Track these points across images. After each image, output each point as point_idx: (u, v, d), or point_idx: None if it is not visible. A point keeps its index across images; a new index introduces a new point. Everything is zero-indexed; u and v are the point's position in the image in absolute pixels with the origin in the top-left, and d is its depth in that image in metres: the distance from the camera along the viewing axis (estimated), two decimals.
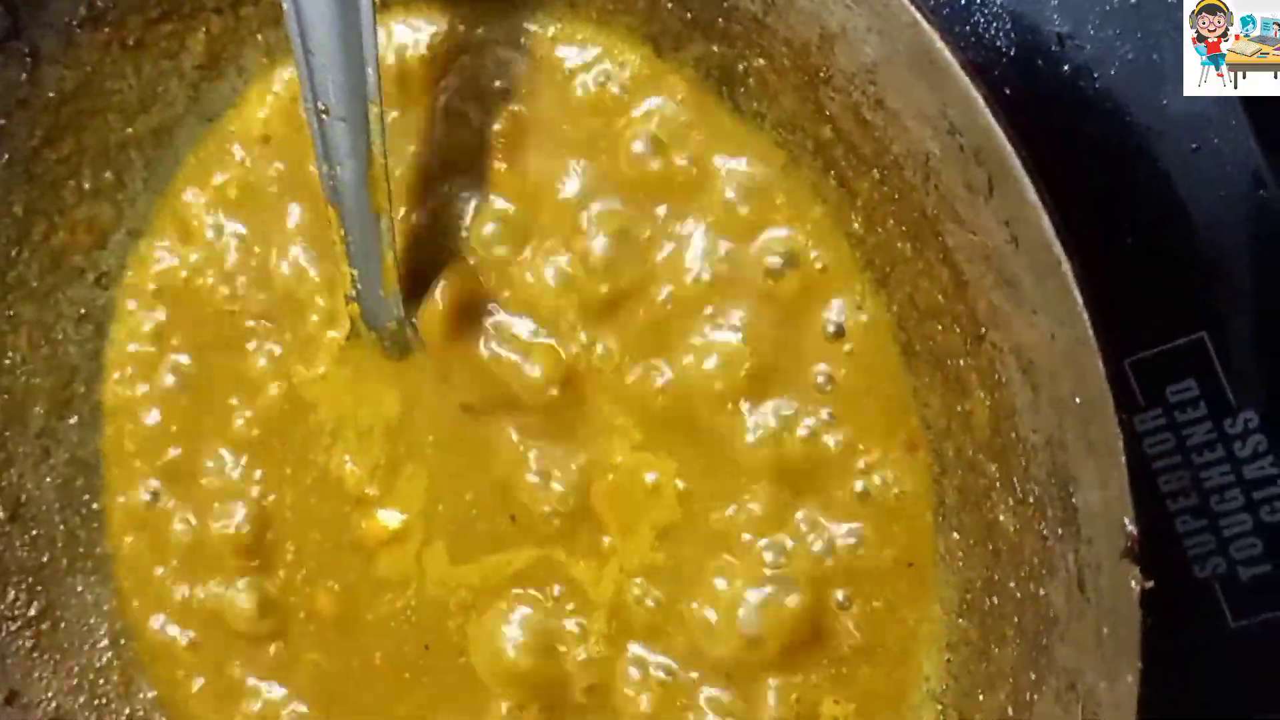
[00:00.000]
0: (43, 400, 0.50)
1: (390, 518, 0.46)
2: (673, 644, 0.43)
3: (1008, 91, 0.44)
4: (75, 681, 0.51)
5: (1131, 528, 0.30)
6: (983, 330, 0.35)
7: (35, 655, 0.51)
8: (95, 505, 0.52)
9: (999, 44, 0.44)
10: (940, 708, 0.40)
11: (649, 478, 0.42)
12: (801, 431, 0.40)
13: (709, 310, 0.41)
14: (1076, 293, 0.30)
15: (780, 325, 0.40)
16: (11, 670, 0.50)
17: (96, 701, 0.51)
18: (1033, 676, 0.35)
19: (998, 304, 0.34)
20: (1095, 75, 0.43)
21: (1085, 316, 0.30)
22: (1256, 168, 0.42)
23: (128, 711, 0.51)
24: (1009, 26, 0.44)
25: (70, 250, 0.49)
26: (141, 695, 0.52)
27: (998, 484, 0.36)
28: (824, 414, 0.40)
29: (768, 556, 0.41)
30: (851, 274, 0.39)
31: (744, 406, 0.41)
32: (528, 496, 0.43)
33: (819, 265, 0.40)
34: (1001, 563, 0.37)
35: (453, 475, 0.44)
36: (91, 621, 0.52)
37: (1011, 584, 0.36)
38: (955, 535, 0.39)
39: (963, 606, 0.39)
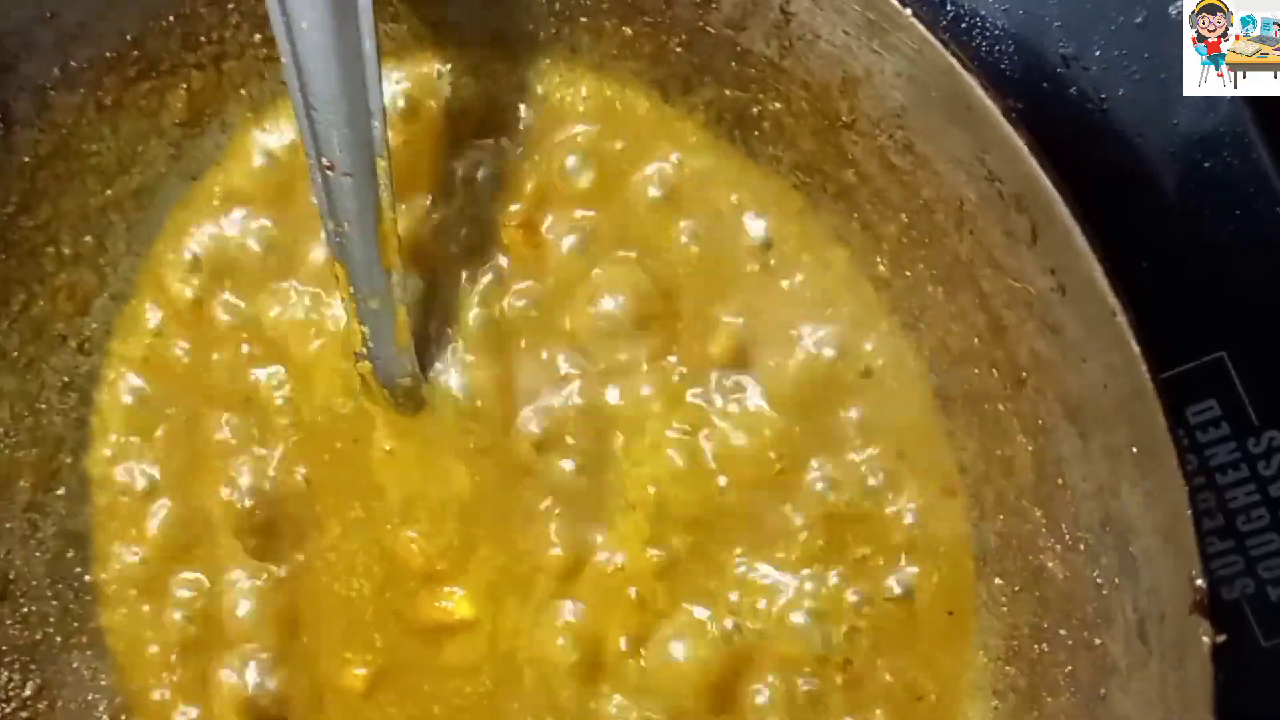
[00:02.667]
0: (28, 473, 0.48)
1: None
2: None
3: (1013, 116, 0.43)
4: None
5: (1200, 581, 0.29)
6: (1024, 375, 0.34)
7: None
8: (87, 578, 0.50)
9: (1003, 67, 0.43)
10: None
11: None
12: (832, 476, 0.39)
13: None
14: (1134, 343, 0.29)
15: (804, 371, 0.39)
16: None
17: None
18: None
19: (1040, 351, 0.33)
20: (1103, 96, 0.43)
21: (1144, 367, 0.29)
22: (1271, 184, 0.41)
23: None
24: (1012, 49, 0.43)
25: (51, 318, 0.47)
26: None
27: (1044, 529, 0.35)
28: (854, 459, 0.39)
29: (805, 604, 0.40)
30: (877, 317, 0.38)
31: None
32: None
33: (843, 309, 0.39)
34: (1051, 610, 0.36)
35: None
36: (89, 698, 0.50)
37: (1062, 631, 0.35)
38: (998, 581, 0.38)
39: (1009, 653, 0.38)
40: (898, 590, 0.39)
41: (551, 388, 0.42)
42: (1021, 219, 0.31)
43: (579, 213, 0.41)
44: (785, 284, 0.39)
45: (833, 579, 0.40)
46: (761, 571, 0.40)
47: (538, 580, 0.43)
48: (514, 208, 0.41)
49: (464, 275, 0.42)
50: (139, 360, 0.48)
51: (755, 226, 0.39)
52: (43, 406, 0.48)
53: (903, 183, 0.35)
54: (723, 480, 0.40)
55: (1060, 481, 0.34)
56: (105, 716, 0.50)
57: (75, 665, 0.50)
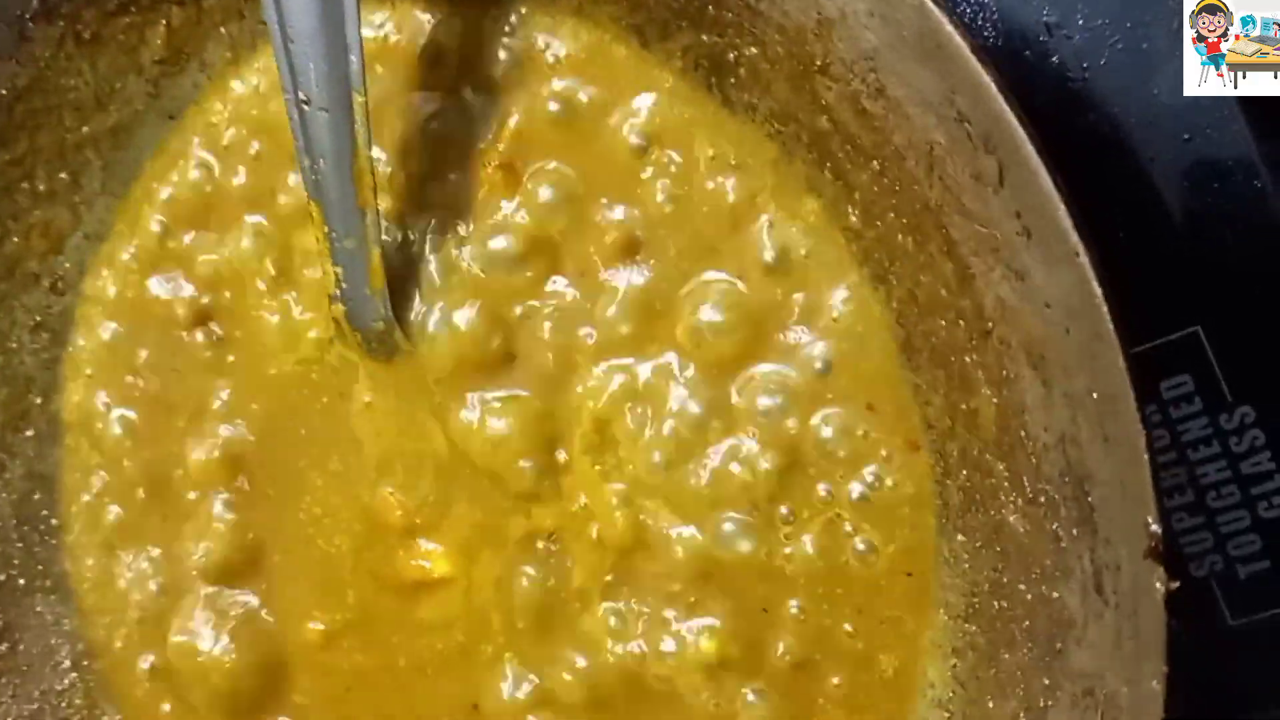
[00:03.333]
0: None
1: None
2: None
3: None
4: (36, 705, 0.49)
5: (1155, 527, 0.29)
6: (989, 325, 0.34)
7: None
8: (54, 521, 0.49)
9: (986, 34, 0.43)
10: (947, 715, 0.39)
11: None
12: (792, 432, 0.39)
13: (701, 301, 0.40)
14: (1095, 284, 0.29)
15: (771, 322, 0.39)
16: None
17: None
18: (1046, 682, 0.34)
19: (1006, 298, 0.33)
20: (1085, 65, 0.42)
21: (1105, 309, 0.29)
22: (1250, 158, 0.41)
23: None
24: (996, 16, 0.43)
25: (24, 256, 0.47)
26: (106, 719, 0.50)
27: (1006, 483, 0.35)
28: (817, 414, 0.39)
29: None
30: (848, 269, 0.38)
31: (734, 397, 0.40)
32: None
33: (813, 260, 0.38)
34: (1011, 565, 0.36)
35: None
36: (52, 642, 0.49)
37: (1021, 586, 0.35)
38: (960, 538, 0.38)
39: (969, 611, 0.38)
40: (859, 548, 0.39)
41: (525, 336, 0.41)
42: (989, 161, 0.31)
43: (556, 158, 0.41)
44: (759, 234, 0.39)
45: (792, 536, 0.39)
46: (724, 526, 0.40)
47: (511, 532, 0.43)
48: (492, 150, 0.41)
49: (441, 218, 0.42)
50: (112, 302, 0.48)
51: (730, 175, 0.39)
52: (13, 346, 0.48)
53: (874, 129, 0.35)
54: (681, 426, 0.40)
55: (1023, 434, 0.34)
56: (67, 661, 0.49)
57: (39, 609, 0.49)
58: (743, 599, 0.40)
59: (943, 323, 0.36)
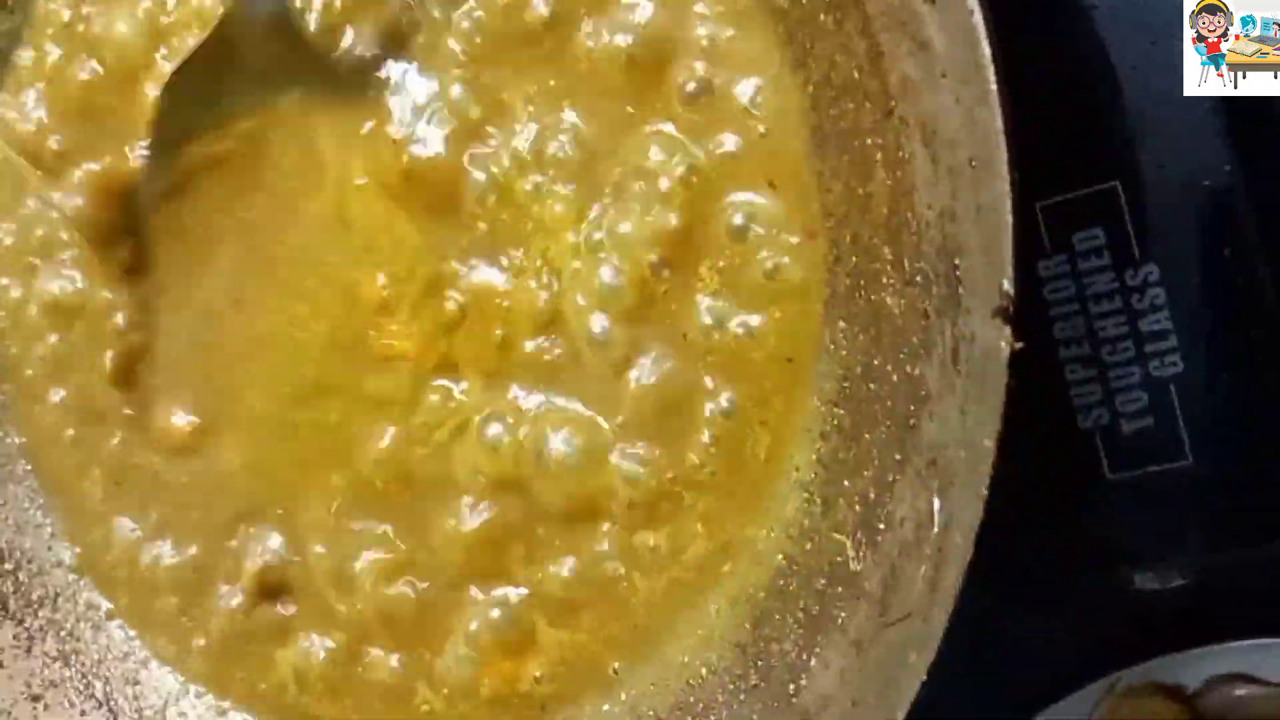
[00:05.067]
0: None
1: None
2: None
3: None
4: None
5: (1009, 287, 0.30)
6: (892, 103, 0.34)
7: None
8: None
9: None
10: (806, 496, 0.39)
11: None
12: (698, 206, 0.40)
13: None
14: (985, 45, 0.30)
15: (691, 102, 0.40)
16: None
17: None
18: (898, 457, 0.35)
19: (909, 73, 0.33)
20: None
21: (990, 72, 0.30)
22: (1182, 16, 0.41)
23: None
24: None
25: None
26: (8, 440, 0.50)
27: (889, 266, 0.36)
28: (724, 193, 0.40)
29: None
30: (771, 50, 0.39)
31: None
32: None
33: (740, 42, 0.39)
34: (883, 347, 0.36)
35: None
36: None
37: (889, 367, 0.36)
38: (842, 324, 0.38)
39: (840, 395, 0.38)
40: (740, 332, 0.39)
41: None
42: None
43: None
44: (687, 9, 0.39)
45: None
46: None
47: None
48: None
49: None
50: (62, 28, 0.48)
51: None
52: None
53: None
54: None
55: (910, 214, 0.34)
56: None
57: None
58: None
59: (851, 105, 0.36)
